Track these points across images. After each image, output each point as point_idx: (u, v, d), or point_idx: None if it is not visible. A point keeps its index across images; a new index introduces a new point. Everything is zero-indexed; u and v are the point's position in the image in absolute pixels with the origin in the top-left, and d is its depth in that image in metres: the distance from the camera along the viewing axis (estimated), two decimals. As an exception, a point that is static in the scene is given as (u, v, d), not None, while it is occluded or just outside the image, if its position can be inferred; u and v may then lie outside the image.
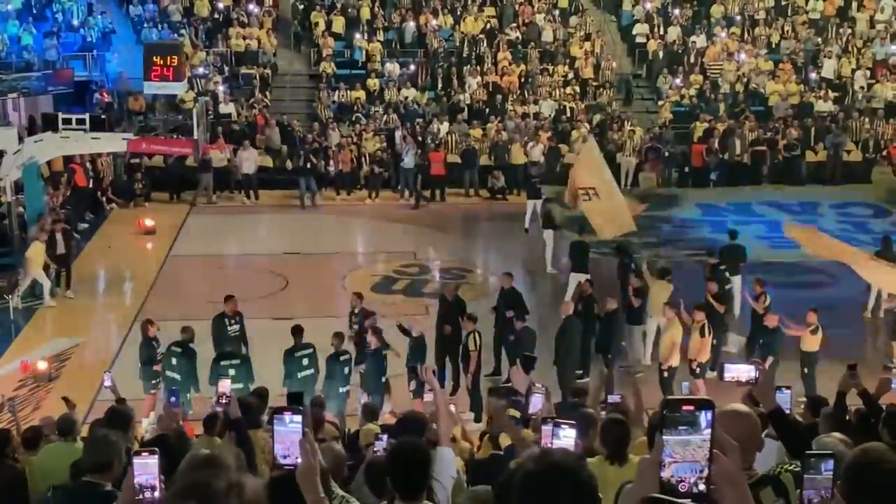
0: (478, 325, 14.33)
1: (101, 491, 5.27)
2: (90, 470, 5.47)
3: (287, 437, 3.13)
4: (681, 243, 19.66)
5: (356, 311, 15.08)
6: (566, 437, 3.66)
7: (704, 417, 1.73)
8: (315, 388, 13.54)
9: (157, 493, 3.69)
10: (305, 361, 13.63)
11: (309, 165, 24.82)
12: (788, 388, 7.03)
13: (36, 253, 17.96)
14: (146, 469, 3.71)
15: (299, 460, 3.08)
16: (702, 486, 1.73)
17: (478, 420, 13.56)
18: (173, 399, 7.65)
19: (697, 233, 21.11)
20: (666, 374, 14.20)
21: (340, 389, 13.48)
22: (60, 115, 19.79)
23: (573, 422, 3.85)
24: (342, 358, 13.65)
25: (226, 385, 7.14)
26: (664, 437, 1.73)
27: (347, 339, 14.20)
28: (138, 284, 19.53)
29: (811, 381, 13.89)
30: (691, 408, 1.73)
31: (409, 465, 4.45)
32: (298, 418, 3.15)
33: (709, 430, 1.73)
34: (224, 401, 6.69)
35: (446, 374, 14.99)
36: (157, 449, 3.79)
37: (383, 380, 13.79)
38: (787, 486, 4.07)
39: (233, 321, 14.55)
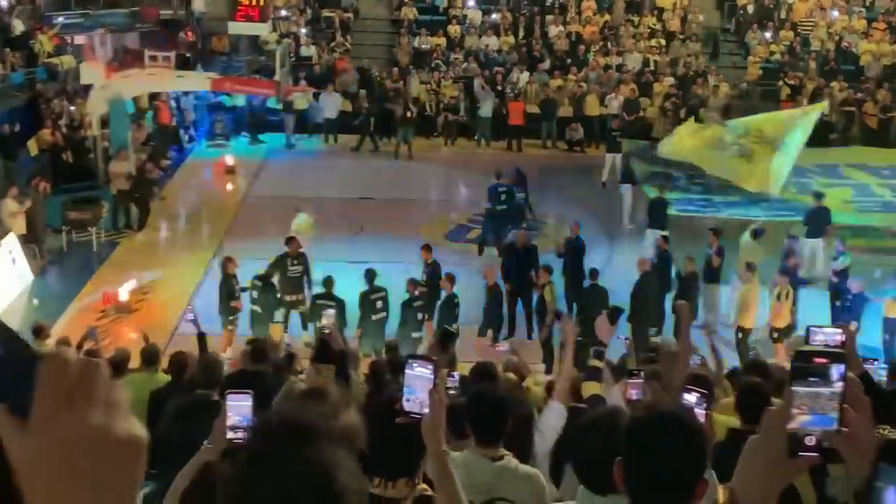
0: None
1: (211, 400, 6.25)
2: (202, 385, 6.62)
3: (417, 384, 3.08)
4: (763, 204, 19.22)
5: (428, 262, 15.09)
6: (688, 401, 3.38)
7: (837, 371, 1.67)
8: (387, 331, 13.72)
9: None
10: (379, 304, 13.80)
11: (409, 115, 24.68)
12: (875, 360, 6.90)
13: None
14: (239, 410, 3.75)
15: (426, 410, 3.02)
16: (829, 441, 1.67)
17: (548, 372, 13.55)
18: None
19: (782, 194, 20.62)
20: (741, 336, 14.03)
21: (413, 335, 13.59)
22: (147, 52, 20.00)
23: (706, 392, 3.61)
24: (416, 304, 13.76)
25: (330, 315, 7.18)
26: (794, 389, 1.67)
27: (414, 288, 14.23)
28: (218, 222, 19.84)
29: (893, 347, 13.61)
30: (824, 360, 1.67)
31: (488, 412, 4.45)
32: (430, 367, 3.08)
33: (840, 384, 1.67)
34: (326, 331, 6.75)
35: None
36: (250, 391, 3.82)
37: (455, 327, 13.85)
38: None
39: (294, 262, 14.69)
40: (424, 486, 3.41)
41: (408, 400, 3.04)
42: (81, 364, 1.08)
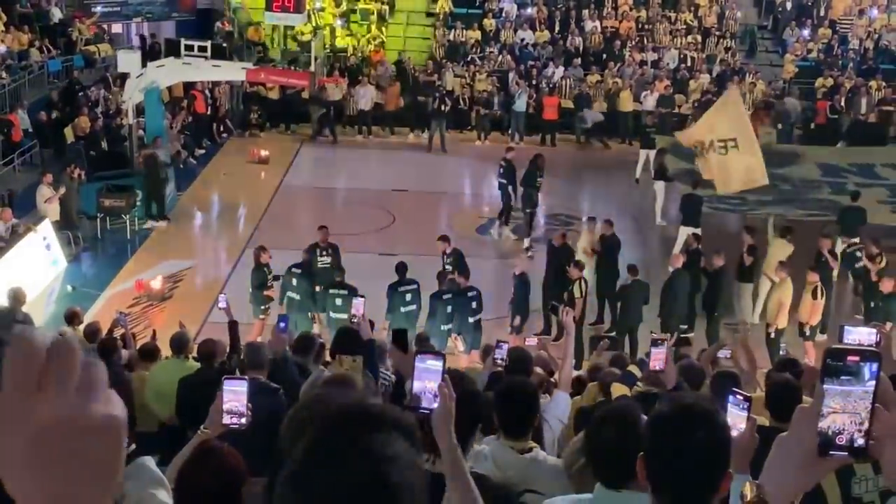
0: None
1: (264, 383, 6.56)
2: (251, 368, 6.90)
3: (426, 380, 3.07)
4: (798, 203, 19.02)
5: (447, 252, 15.03)
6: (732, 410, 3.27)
7: (869, 369, 1.65)
8: (417, 324, 13.72)
9: (243, 420, 3.82)
10: (409, 297, 13.77)
11: (444, 108, 24.69)
12: None
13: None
14: (236, 396, 3.82)
15: (435, 405, 3.01)
16: (860, 441, 1.65)
17: (577, 367, 13.50)
18: (283, 325, 7.75)
19: (816, 193, 20.41)
20: (773, 335, 13.91)
21: (442, 327, 13.58)
22: (183, 42, 20.07)
23: (749, 395, 3.51)
24: (445, 297, 13.74)
25: (359, 305, 7.16)
26: (825, 387, 1.65)
27: (447, 280, 14.22)
28: (251, 212, 19.94)
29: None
30: (856, 358, 1.65)
31: (517, 404, 4.45)
32: (440, 362, 3.07)
33: (872, 383, 1.65)
34: (354, 321, 6.75)
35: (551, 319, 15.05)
36: (246, 378, 3.90)
37: (471, 320, 13.83)
38: None
39: (324, 252, 14.60)
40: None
41: (418, 394, 3.04)
42: (52, 345, 1.01)
